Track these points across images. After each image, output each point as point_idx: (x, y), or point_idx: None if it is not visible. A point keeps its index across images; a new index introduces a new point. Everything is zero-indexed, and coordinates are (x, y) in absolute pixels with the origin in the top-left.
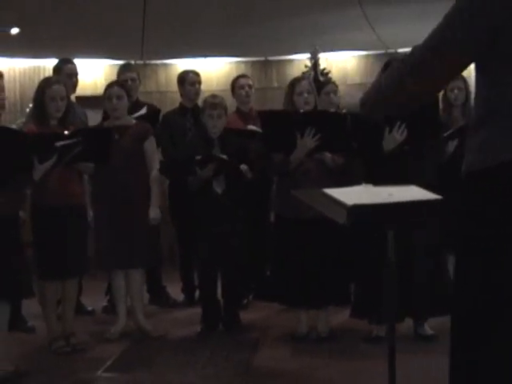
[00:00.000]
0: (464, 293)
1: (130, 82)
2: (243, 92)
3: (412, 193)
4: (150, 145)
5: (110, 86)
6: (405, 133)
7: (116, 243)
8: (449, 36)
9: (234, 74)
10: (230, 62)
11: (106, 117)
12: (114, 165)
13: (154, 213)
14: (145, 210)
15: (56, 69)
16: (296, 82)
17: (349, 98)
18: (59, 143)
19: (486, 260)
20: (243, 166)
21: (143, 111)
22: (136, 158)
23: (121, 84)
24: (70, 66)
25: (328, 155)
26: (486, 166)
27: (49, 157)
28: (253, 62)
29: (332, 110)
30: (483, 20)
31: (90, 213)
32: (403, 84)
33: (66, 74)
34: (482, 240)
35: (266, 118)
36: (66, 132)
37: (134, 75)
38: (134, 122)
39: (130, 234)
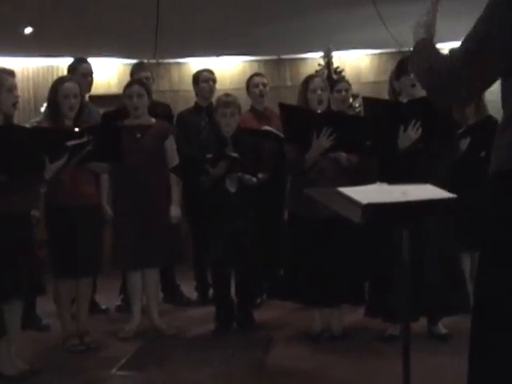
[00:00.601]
0: (490, 296)
1: (144, 81)
2: (257, 90)
3: (426, 191)
4: (170, 144)
5: (130, 85)
6: (419, 131)
7: (137, 242)
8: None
9: (248, 73)
10: (244, 61)
11: (108, 114)
12: (135, 164)
13: (175, 211)
14: (165, 208)
15: (71, 68)
16: (310, 79)
17: None
18: (70, 142)
19: None
20: (260, 175)
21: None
22: (157, 157)
23: (141, 83)
24: (84, 65)
25: (343, 155)
26: None
27: (59, 156)
28: (266, 61)
29: (345, 108)
30: None
31: (109, 211)
32: (462, 73)
33: (80, 74)
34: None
35: (286, 111)
36: (76, 129)
37: (148, 74)
38: (153, 120)
39: (151, 232)
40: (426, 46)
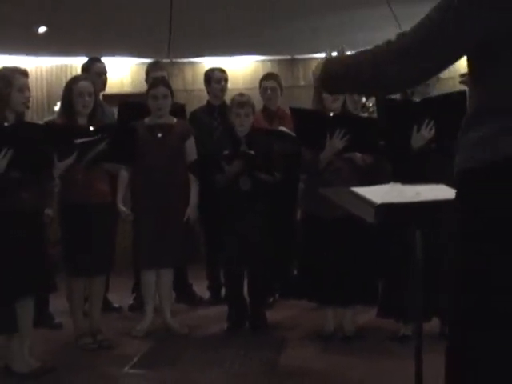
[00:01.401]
0: (464, 296)
1: (169, 82)
2: (266, 95)
3: (440, 191)
4: (191, 144)
5: (155, 86)
6: (433, 130)
7: (154, 242)
8: (443, 31)
9: (261, 73)
10: (257, 61)
11: (123, 113)
12: (155, 163)
13: (192, 213)
14: (182, 209)
15: (85, 67)
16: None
17: None
18: (79, 140)
19: (491, 262)
20: (276, 174)
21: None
22: (177, 156)
23: (166, 83)
24: (98, 64)
25: (358, 155)
26: (485, 163)
27: (68, 154)
28: (279, 61)
29: (358, 108)
30: (477, 18)
31: (124, 209)
32: (383, 70)
33: (95, 73)
34: (484, 236)
35: (298, 115)
36: (91, 128)
37: (164, 73)
38: (175, 120)
39: (167, 233)
40: (341, 58)
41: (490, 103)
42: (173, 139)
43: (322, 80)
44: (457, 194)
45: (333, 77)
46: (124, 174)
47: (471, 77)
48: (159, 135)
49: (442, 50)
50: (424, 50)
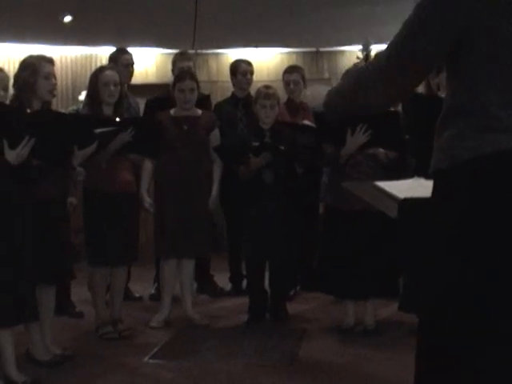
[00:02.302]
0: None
1: (195, 75)
2: (288, 88)
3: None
4: (215, 136)
5: (182, 79)
6: None
7: (178, 232)
8: (414, 46)
9: (285, 65)
10: (281, 53)
11: (150, 108)
12: (181, 155)
13: (213, 202)
14: (205, 200)
15: (112, 58)
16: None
17: (311, 99)
18: (98, 130)
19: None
20: (299, 168)
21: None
22: (202, 148)
23: (193, 76)
24: (126, 55)
25: (381, 150)
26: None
27: (89, 143)
28: (304, 53)
29: None
30: (452, 20)
31: (148, 199)
32: (366, 90)
33: (121, 64)
34: (459, 237)
35: (319, 113)
36: (116, 119)
37: (191, 64)
38: (200, 112)
39: (190, 223)
40: (334, 89)
41: (462, 103)
42: (198, 131)
43: (324, 109)
44: (432, 194)
45: (329, 108)
46: (149, 165)
47: (446, 77)
48: (185, 127)
49: (419, 59)
50: (401, 63)
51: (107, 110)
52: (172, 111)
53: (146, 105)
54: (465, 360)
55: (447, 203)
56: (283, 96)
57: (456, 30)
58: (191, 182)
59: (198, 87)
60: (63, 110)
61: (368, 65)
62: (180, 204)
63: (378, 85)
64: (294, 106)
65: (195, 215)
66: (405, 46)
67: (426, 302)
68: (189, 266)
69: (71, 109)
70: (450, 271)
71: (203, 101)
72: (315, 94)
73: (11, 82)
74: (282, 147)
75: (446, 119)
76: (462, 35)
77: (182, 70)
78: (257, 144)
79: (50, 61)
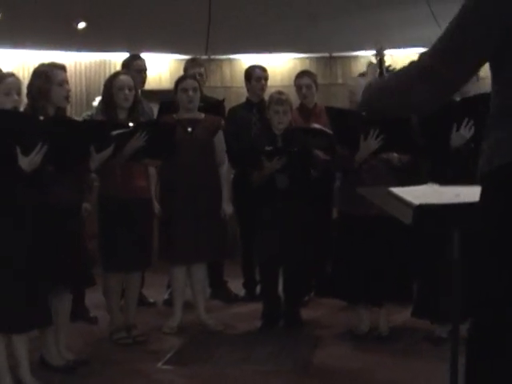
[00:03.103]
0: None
1: (197, 77)
2: (301, 93)
3: (479, 193)
4: (220, 138)
5: (183, 79)
6: (472, 130)
7: (186, 237)
8: (463, 39)
9: (299, 70)
10: (295, 58)
11: (163, 110)
12: (186, 158)
13: (227, 207)
14: (215, 203)
15: (125, 64)
16: (361, 76)
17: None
18: (115, 132)
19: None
20: (313, 173)
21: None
22: (207, 151)
23: (194, 77)
24: (138, 61)
25: (395, 155)
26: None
27: (106, 146)
28: (318, 58)
29: None
30: (497, 21)
31: (156, 205)
32: (415, 88)
33: (134, 70)
34: (497, 239)
35: (333, 114)
36: (130, 124)
37: (202, 70)
38: (203, 115)
39: (199, 228)
40: (375, 87)
41: (507, 104)
42: (202, 134)
43: (361, 107)
44: (480, 197)
45: (369, 106)
46: (152, 170)
47: (491, 77)
48: (189, 129)
49: (465, 58)
50: (447, 62)
51: (122, 115)
52: (175, 115)
53: (160, 107)
54: None
55: (490, 206)
56: (296, 102)
57: (500, 30)
58: (197, 185)
59: (201, 90)
60: (77, 116)
61: (411, 64)
62: (187, 207)
63: (420, 83)
64: (307, 111)
65: (204, 219)
66: (450, 44)
67: (480, 305)
68: (199, 271)
69: (85, 114)
70: (492, 274)
71: (217, 106)
72: (358, 87)
73: (24, 87)
74: (296, 149)
75: (493, 120)
76: (507, 35)
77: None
78: (269, 148)
79: (63, 67)
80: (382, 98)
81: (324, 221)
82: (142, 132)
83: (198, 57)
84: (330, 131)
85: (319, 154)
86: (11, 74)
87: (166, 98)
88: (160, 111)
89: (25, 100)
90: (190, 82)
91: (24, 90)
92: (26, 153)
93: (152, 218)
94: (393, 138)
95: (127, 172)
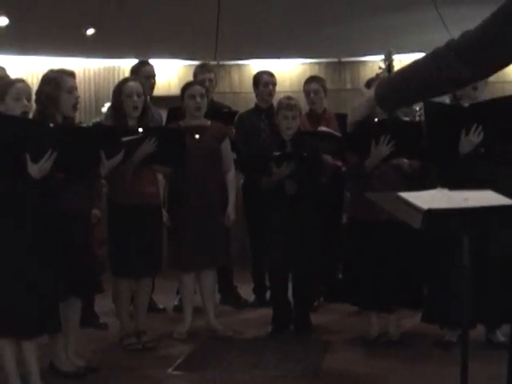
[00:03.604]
0: None
1: (207, 83)
2: (308, 98)
3: (488, 198)
4: (227, 146)
5: (191, 85)
6: (481, 135)
7: (193, 244)
8: (500, 33)
9: (308, 76)
10: (304, 63)
11: (172, 116)
12: (193, 165)
13: (232, 213)
14: (221, 210)
15: (134, 70)
16: (371, 82)
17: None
18: (125, 138)
19: None
20: (322, 178)
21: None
22: (214, 158)
23: (202, 84)
24: (147, 67)
25: (405, 161)
26: None
27: (116, 152)
28: (327, 63)
29: (408, 112)
30: None
31: (164, 212)
32: (451, 69)
33: (143, 76)
34: None
35: (343, 120)
36: (140, 129)
37: (212, 76)
38: (209, 122)
39: (206, 234)
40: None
41: None
42: (210, 141)
43: (380, 98)
44: None
45: (394, 90)
46: (160, 177)
47: None
48: (197, 136)
49: (503, 50)
50: (487, 48)
51: (131, 121)
52: (181, 122)
53: (169, 114)
54: None
55: None
56: (305, 107)
57: None
58: (205, 192)
59: (208, 97)
60: (86, 123)
61: (448, 43)
62: (195, 214)
63: (455, 63)
64: (316, 116)
65: (212, 225)
66: (489, 29)
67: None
68: (209, 277)
69: (94, 121)
70: None
71: (230, 116)
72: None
73: (33, 93)
74: (305, 154)
75: None
76: None
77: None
78: (278, 154)
79: (72, 74)
80: (413, 80)
81: (333, 226)
82: (152, 138)
83: (207, 62)
84: (338, 134)
85: (328, 158)
86: (21, 80)
87: (174, 104)
88: (168, 117)
89: (34, 106)
90: (197, 89)
91: (33, 96)
92: (35, 160)
93: (161, 223)
94: (403, 144)
95: (136, 178)
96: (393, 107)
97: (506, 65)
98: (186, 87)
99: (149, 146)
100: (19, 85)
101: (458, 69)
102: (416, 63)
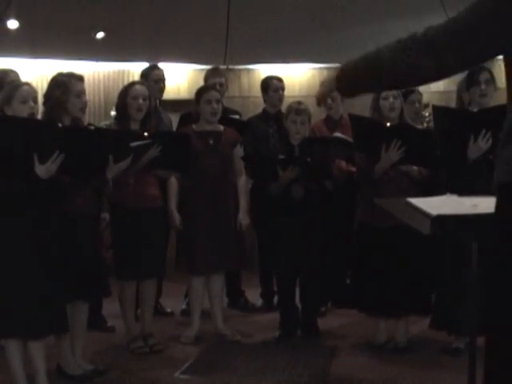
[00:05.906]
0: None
1: (218, 87)
2: (329, 100)
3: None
4: (238, 152)
5: (206, 90)
6: (490, 141)
7: (204, 248)
8: (473, 25)
9: (317, 80)
10: (313, 68)
11: (183, 122)
12: (207, 170)
13: (244, 218)
14: (233, 215)
15: (143, 74)
16: None
17: None
18: (134, 144)
19: None
20: (328, 183)
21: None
22: (228, 163)
23: (216, 89)
24: (157, 71)
25: (414, 168)
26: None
27: (124, 157)
28: (336, 69)
29: (417, 124)
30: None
31: (178, 216)
32: (414, 62)
33: (153, 80)
34: None
35: (356, 122)
36: (145, 133)
37: (223, 80)
38: (222, 128)
39: (218, 238)
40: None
41: None
42: (223, 146)
43: (339, 79)
44: (496, 207)
45: (353, 74)
46: (173, 181)
47: (507, 88)
48: (211, 142)
49: (472, 49)
50: (452, 45)
51: (135, 125)
52: (195, 126)
53: (180, 120)
54: None
55: (506, 217)
56: (315, 112)
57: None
58: (218, 197)
59: (221, 102)
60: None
61: (413, 35)
62: (207, 218)
63: (420, 53)
64: (333, 122)
65: (223, 230)
66: (461, 21)
67: (497, 319)
68: (218, 281)
69: (103, 124)
70: (508, 287)
71: (242, 125)
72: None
73: (40, 96)
74: (309, 159)
75: (509, 131)
76: None
77: (206, 84)
78: (283, 157)
79: (81, 78)
80: (373, 67)
81: (344, 230)
82: (160, 142)
83: (219, 66)
84: (350, 139)
85: (342, 163)
86: (26, 83)
87: (184, 108)
88: (180, 123)
89: (41, 108)
90: (214, 94)
91: (40, 99)
92: (42, 160)
93: (165, 226)
94: (413, 151)
95: (138, 181)
96: (348, 93)
97: (475, 62)
98: (203, 92)
99: (153, 151)
100: (25, 88)
101: (421, 62)
102: (379, 52)
